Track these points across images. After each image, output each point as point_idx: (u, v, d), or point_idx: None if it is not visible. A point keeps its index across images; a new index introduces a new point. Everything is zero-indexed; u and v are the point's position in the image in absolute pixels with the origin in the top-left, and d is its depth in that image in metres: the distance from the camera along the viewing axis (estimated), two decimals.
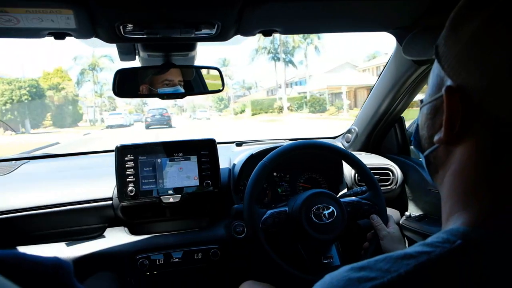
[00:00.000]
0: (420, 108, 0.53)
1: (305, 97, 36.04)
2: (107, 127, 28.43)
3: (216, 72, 1.30)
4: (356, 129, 1.84)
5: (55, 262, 0.42)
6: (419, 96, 1.59)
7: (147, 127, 23.90)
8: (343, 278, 0.41)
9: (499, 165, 0.42)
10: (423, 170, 1.55)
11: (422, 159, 0.55)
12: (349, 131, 1.91)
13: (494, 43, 0.39)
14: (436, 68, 0.48)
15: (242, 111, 42.19)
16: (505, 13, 0.39)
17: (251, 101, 40.59)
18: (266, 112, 36.60)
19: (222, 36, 1.05)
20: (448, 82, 0.44)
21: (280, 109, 34.99)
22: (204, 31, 1.01)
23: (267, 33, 1.07)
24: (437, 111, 0.47)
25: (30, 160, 1.76)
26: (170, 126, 23.99)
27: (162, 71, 1.26)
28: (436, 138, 0.47)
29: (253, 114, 36.48)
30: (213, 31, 1.01)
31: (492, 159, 0.42)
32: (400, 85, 1.47)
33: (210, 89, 1.31)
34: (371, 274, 0.39)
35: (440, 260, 0.38)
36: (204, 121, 33.75)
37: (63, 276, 0.41)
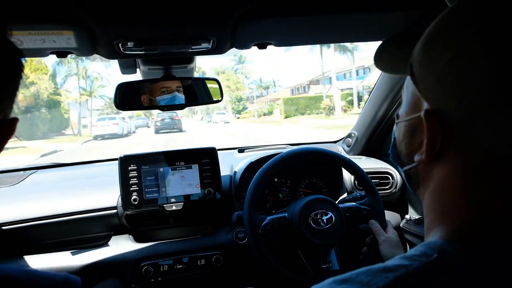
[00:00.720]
0: (396, 123, 0.54)
1: (351, 94, 29.14)
2: (95, 137, 21.61)
3: (215, 83, 1.33)
4: (356, 133, 1.87)
5: (64, 279, 0.45)
6: None
7: (157, 131, 22.86)
8: None
9: (475, 185, 0.43)
10: None
11: (402, 173, 0.57)
12: (349, 136, 1.93)
13: (473, 69, 0.39)
14: (410, 85, 0.49)
15: (269, 113, 35.61)
16: (485, 40, 0.39)
17: (282, 100, 32.19)
18: (303, 114, 29.72)
19: (218, 49, 1.08)
20: (425, 104, 0.45)
21: (330, 110, 27.01)
22: (201, 45, 1.04)
23: (262, 46, 1.10)
24: (415, 130, 0.48)
25: (38, 170, 1.81)
26: (181, 131, 22.90)
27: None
28: (416, 158, 0.48)
29: (286, 117, 29.42)
30: (209, 46, 1.04)
31: (468, 179, 0.44)
32: (396, 91, 1.49)
33: (209, 99, 1.34)
34: (353, 286, 0.41)
35: (417, 273, 0.40)
36: (222, 126, 27.97)
37: None
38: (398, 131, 0.54)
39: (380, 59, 0.57)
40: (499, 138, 0.40)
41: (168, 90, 1.28)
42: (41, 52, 0.99)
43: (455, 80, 0.41)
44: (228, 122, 32.29)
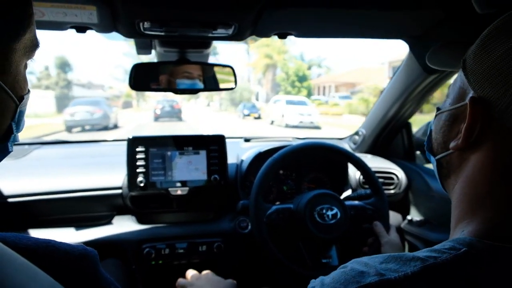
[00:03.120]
0: (436, 115, 0.56)
1: None
2: None
3: (229, 70, 1.32)
4: (364, 131, 1.86)
5: (82, 251, 0.44)
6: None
7: (156, 119, 21.41)
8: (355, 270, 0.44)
9: (510, 177, 0.44)
10: (428, 176, 1.57)
11: (433, 163, 0.58)
12: (356, 133, 1.93)
13: None
14: (459, 80, 0.51)
15: None
16: None
17: None
18: None
19: (238, 36, 1.07)
20: (471, 93, 0.47)
21: None
22: (221, 31, 1.03)
23: (282, 36, 1.09)
24: (456, 119, 0.50)
25: (43, 146, 1.80)
26: (180, 120, 21.29)
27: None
28: (452, 144, 0.49)
29: None
30: (230, 31, 1.03)
31: (505, 169, 0.44)
32: (409, 92, 1.49)
33: (223, 86, 1.33)
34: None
35: (446, 265, 0.41)
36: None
37: (88, 265, 0.43)
38: (436, 121, 0.56)
39: (434, 58, 0.59)
40: None
41: (190, 76, 1.28)
42: (60, 26, 0.98)
43: (506, 71, 0.43)
44: (319, 128, 16.44)
